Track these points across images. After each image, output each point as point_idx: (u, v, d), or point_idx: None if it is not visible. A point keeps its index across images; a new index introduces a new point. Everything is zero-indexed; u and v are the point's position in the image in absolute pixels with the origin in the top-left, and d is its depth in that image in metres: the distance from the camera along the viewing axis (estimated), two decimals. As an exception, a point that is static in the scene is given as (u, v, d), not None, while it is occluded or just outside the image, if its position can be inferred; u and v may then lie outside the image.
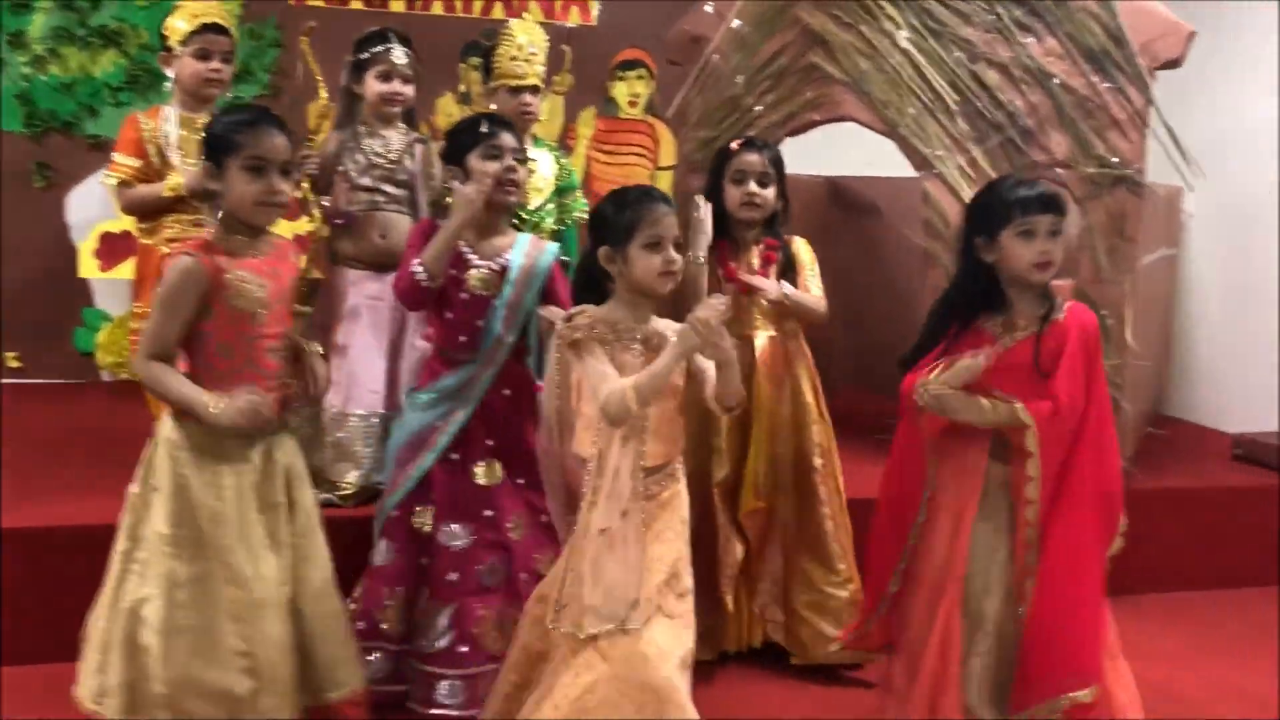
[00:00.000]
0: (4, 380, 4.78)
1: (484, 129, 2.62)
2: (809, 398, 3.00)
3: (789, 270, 2.96)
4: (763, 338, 2.95)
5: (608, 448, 2.17)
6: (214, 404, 2.18)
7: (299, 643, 2.32)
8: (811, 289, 2.97)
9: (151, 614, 2.19)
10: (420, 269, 2.54)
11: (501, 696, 2.36)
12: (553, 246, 2.71)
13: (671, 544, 2.25)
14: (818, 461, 2.98)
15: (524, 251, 2.65)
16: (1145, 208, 3.49)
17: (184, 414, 2.23)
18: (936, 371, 2.33)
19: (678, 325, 2.21)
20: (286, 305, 2.35)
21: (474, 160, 2.62)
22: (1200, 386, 4.97)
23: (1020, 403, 2.29)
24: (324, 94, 3.24)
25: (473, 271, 2.63)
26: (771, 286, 2.88)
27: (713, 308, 2.09)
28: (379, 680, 2.67)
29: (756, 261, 2.95)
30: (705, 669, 2.91)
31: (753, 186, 2.89)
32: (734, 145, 2.95)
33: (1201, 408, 4.94)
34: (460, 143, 2.66)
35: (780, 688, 2.91)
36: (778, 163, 2.95)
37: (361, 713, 2.43)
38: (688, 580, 2.27)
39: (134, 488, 2.29)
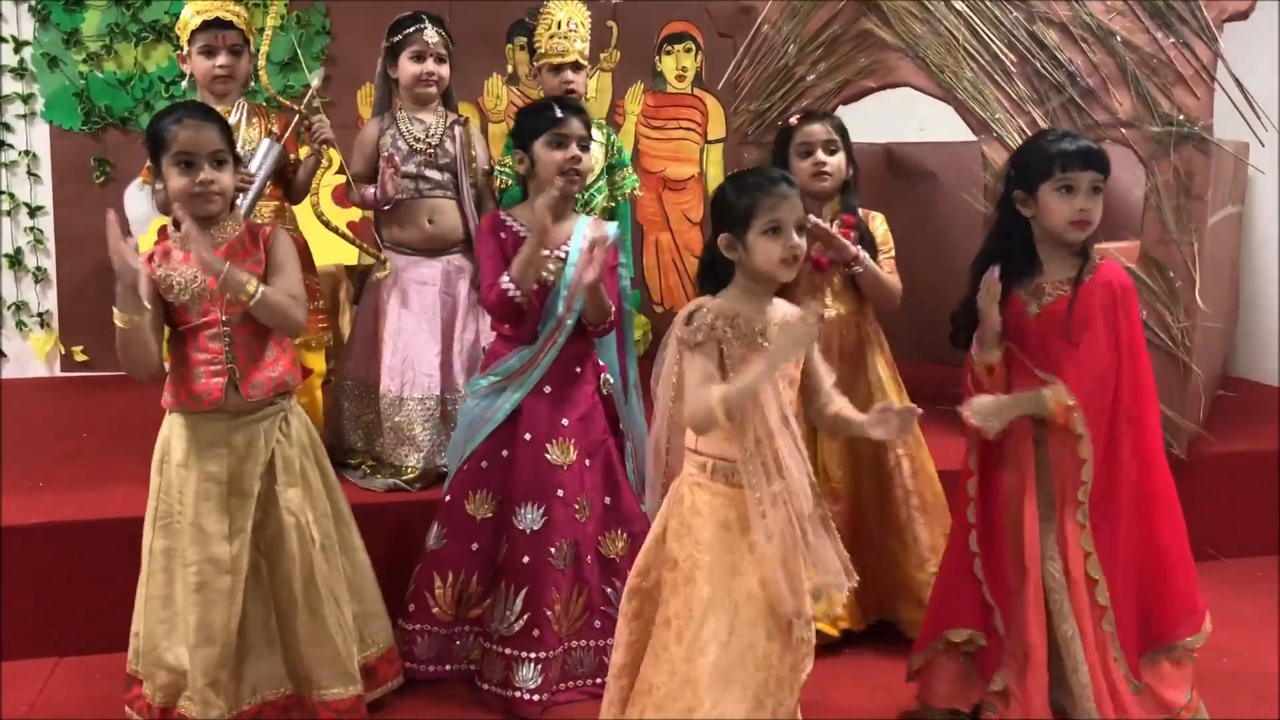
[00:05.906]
0: (70, 374, 4.91)
1: (550, 113, 2.62)
2: (887, 386, 2.92)
3: (865, 247, 2.86)
4: (832, 315, 2.87)
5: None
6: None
7: (282, 635, 2.42)
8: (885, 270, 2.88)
9: (140, 582, 2.41)
10: (510, 285, 2.56)
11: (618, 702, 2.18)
12: (611, 226, 2.69)
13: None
14: (898, 449, 2.90)
15: (583, 235, 2.64)
16: (1213, 166, 3.39)
17: (173, 402, 2.36)
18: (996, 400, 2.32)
19: (796, 311, 2.12)
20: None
21: (539, 147, 2.62)
22: (1270, 345, 4.84)
23: (1060, 383, 2.26)
24: (265, 75, 3.21)
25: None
26: (849, 246, 2.77)
27: (809, 319, 1.98)
28: (425, 660, 2.73)
29: None
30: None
31: (820, 155, 2.83)
32: (794, 120, 2.89)
33: (1273, 368, 4.81)
34: (527, 127, 2.65)
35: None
36: (842, 130, 2.88)
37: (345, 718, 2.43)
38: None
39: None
